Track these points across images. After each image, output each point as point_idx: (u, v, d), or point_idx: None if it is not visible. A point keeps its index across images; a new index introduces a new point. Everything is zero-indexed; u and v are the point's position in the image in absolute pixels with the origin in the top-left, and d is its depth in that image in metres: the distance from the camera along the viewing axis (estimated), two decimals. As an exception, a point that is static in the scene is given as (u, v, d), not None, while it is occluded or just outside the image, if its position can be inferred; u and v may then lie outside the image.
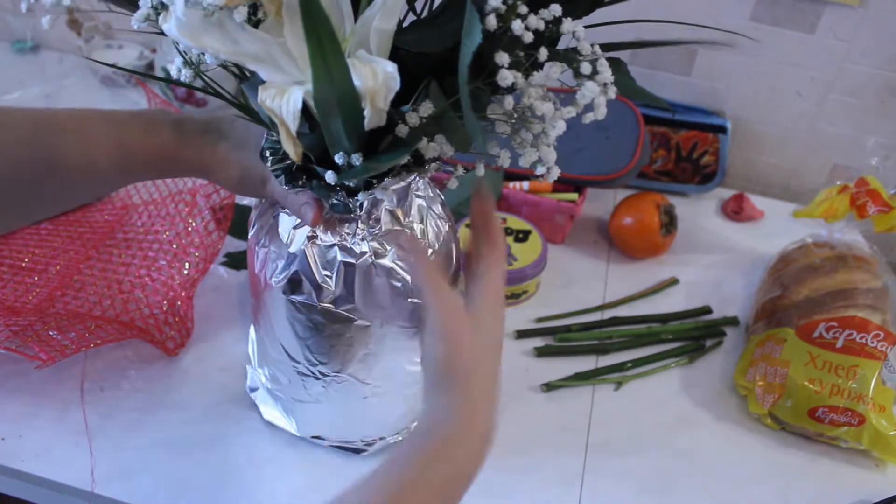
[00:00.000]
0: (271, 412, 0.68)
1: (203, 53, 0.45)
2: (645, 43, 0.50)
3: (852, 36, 0.94)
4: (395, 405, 0.64)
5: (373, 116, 0.42)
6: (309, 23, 0.36)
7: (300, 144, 0.43)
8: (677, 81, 1.04)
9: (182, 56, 0.47)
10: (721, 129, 1.03)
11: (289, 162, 0.52)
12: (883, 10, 0.91)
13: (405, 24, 0.49)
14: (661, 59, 1.03)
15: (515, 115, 0.45)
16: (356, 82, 0.40)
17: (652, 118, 1.03)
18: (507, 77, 0.41)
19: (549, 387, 0.77)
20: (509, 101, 0.43)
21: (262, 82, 0.43)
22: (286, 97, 0.41)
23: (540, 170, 0.47)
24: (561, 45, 0.44)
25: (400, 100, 0.46)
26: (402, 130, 0.45)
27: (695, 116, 1.04)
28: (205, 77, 0.48)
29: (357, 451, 0.67)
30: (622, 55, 0.48)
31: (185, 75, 0.47)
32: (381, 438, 0.67)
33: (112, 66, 0.54)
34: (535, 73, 0.43)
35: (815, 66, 0.97)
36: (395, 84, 0.41)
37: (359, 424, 0.66)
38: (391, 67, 0.41)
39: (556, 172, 0.47)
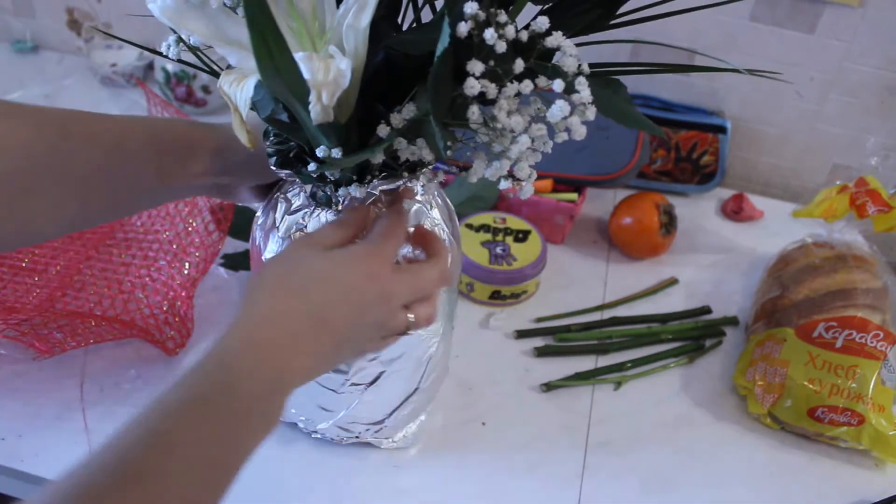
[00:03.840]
0: None
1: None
2: (643, 67, 0.50)
3: (852, 36, 0.94)
4: (377, 396, 0.63)
5: (320, 112, 0.41)
6: (251, 15, 0.35)
7: (252, 132, 0.44)
8: (677, 81, 1.04)
9: (175, 33, 0.48)
10: (721, 129, 1.03)
11: (289, 145, 0.53)
12: (883, 10, 0.91)
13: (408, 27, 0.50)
14: (660, 59, 1.03)
15: (488, 126, 0.44)
16: (306, 76, 0.40)
17: (652, 118, 1.02)
18: (473, 86, 0.41)
19: (548, 387, 0.77)
20: (473, 110, 0.43)
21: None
22: (242, 84, 0.42)
23: (504, 184, 0.47)
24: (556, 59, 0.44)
25: (396, 101, 0.46)
26: (382, 130, 0.45)
27: (695, 116, 1.04)
28: (201, 55, 0.49)
29: (366, 443, 0.67)
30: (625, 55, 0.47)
31: (173, 52, 0.48)
32: (375, 424, 0.66)
33: (138, 46, 0.54)
34: (508, 84, 0.42)
35: (815, 66, 0.98)
36: (345, 82, 0.40)
37: (341, 414, 0.65)
38: (344, 65, 0.40)
39: (528, 190, 0.47)
